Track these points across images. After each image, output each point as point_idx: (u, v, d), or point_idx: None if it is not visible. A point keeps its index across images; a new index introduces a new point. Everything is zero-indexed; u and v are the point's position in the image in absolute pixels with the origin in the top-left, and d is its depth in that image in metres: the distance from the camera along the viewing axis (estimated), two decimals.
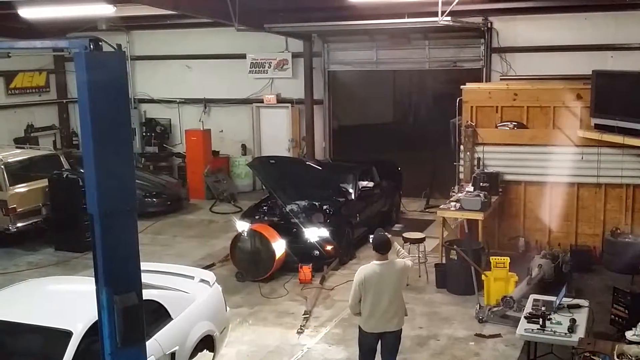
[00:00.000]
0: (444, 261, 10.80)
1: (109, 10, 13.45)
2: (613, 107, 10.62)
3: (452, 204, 11.31)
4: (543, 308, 7.40)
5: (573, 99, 11.49)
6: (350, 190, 12.75)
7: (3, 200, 12.55)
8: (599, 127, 10.94)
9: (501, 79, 14.56)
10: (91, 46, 4.30)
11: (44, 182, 13.13)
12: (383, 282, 6.71)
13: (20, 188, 12.93)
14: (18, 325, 5.99)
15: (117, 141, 4.46)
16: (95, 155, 4.35)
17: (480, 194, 11.09)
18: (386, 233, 6.99)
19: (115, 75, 4.43)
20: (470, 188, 11.58)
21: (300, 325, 9.21)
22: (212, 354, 7.49)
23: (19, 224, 12.77)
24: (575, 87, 11.64)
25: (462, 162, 12.28)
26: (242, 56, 17.51)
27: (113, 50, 4.58)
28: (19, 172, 13.17)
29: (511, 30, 14.80)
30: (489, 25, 14.81)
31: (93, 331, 5.38)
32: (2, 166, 12.73)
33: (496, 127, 12.04)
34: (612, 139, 10.72)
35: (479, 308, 9.35)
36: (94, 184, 4.38)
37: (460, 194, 11.51)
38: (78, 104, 4.49)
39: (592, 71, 11.16)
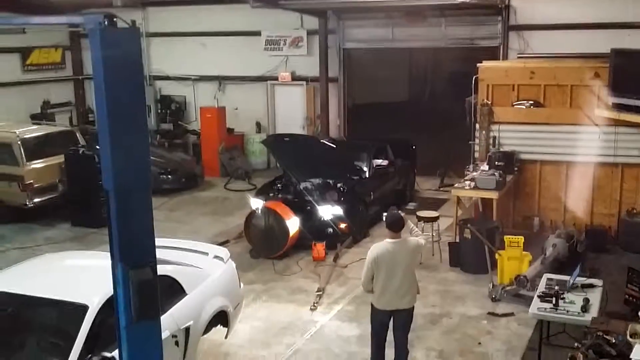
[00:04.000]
0: (457, 240, 10.78)
1: None
2: (632, 86, 10.47)
3: (467, 182, 11.27)
4: (556, 287, 7.38)
5: (591, 78, 11.34)
6: (365, 169, 12.74)
7: (20, 175, 12.69)
8: (616, 106, 10.80)
9: (518, 57, 14.42)
10: (105, 22, 4.28)
11: (60, 158, 13.23)
12: (395, 260, 6.73)
13: (37, 164, 13.05)
14: (35, 299, 6.06)
15: (132, 118, 4.46)
16: (110, 132, 4.36)
17: (495, 173, 11.04)
18: (399, 211, 7.00)
19: (130, 51, 4.41)
20: (485, 167, 11.53)
21: (314, 302, 9.28)
22: (226, 329, 7.58)
23: (36, 200, 12.91)
24: (593, 65, 11.50)
25: (477, 140, 12.22)
26: (257, 33, 17.45)
27: (127, 26, 4.57)
28: (36, 148, 13.25)
29: (529, 7, 14.62)
30: (507, 2, 14.64)
31: (109, 305, 5.45)
32: (19, 142, 12.85)
33: (512, 105, 11.94)
34: (630, 118, 10.58)
35: (492, 287, 9.36)
36: (109, 161, 4.39)
37: (475, 173, 11.46)
38: (93, 81, 4.50)
39: (611, 49, 10.98)
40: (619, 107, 10.75)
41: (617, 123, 11.02)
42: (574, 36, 14.12)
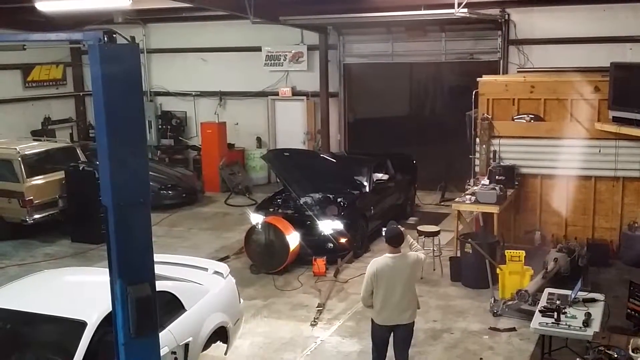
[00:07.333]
0: (458, 254, 10.75)
1: (125, 3, 13.47)
2: (631, 99, 10.50)
3: (468, 197, 11.25)
4: (558, 302, 7.35)
5: (591, 92, 11.36)
6: (365, 183, 12.72)
7: (20, 192, 12.68)
8: (617, 120, 10.82)
9: (518, 72, 14.44)
10: (105, 38, 4.30)
11: (60, 174, 13.25)
12: (395, 275, 6.71)
13: (37, 180, 13.05)
14: (33, 316, 6.04)
15: (130, 133, 4.47)
16: (109, 147, 4.37)
17: (496, 187, 11.02)
18: (399, 226, 6.98)
19: (129, 67, 4.43)
20: (485, 181, 11.51)
21: (314, 318, 9.23)
22: (226, 345, 7.53)
23: (36, 216, 12.89)
24: (593, 79, 11.50)
25: (477, 155, 12.21)
26: (258, 49, 17.51)
27: (127, 42, 4.59)
28: (36, 164, 13.28)
29: (529, 22, 14.66)
30: (506, 17, 14.68)
31: (107, 322, 5.43)
32: (19, 158, 12.85)
33: (513, 119, 11.95)
34: (630, 131, 10.59)
35: (494, 302, 9.32)
36: (108, 176, 4.40)
37: (475, 187, 11.45)
38: (92, 96, 4.51)
39: (611, 63, 11.03)
40: (619, 121, 10.76)
41: (617, 137, 11.01)
42: (574, 50, 14.15)
